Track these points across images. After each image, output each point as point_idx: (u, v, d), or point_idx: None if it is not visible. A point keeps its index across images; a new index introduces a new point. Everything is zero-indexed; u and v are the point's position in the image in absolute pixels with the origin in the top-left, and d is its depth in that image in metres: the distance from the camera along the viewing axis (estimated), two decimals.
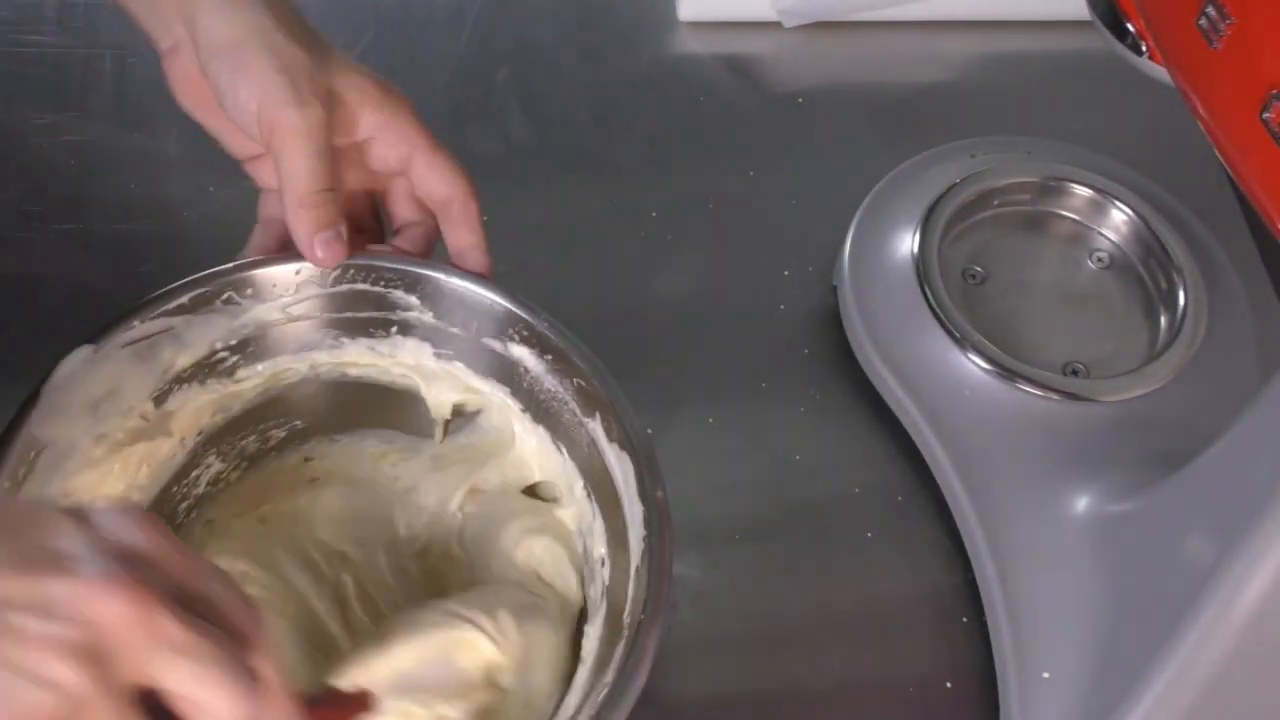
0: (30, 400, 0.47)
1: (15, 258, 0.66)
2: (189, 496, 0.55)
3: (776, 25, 0.81)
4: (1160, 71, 0.48)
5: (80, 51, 0.74)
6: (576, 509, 0.54)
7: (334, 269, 0.52)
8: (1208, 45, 0.39)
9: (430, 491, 0.57)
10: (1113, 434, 0.60)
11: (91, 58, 0.73)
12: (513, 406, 0.55)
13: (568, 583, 0.54)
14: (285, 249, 0.52)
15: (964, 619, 0.59)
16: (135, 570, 0.35)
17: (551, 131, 0.75)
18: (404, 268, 0.53)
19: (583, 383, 0.51)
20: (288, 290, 0.53)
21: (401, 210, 0.55)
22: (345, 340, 0.55)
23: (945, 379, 0.62)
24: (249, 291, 0.52)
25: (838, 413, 0.65)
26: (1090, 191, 0.68)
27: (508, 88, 0.77)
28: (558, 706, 0.50)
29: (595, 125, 0.76)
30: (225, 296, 0.52)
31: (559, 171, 0.74)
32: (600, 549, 0.52)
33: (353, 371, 0.56)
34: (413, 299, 0.53)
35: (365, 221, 0.56)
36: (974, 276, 0.66)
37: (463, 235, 0.53)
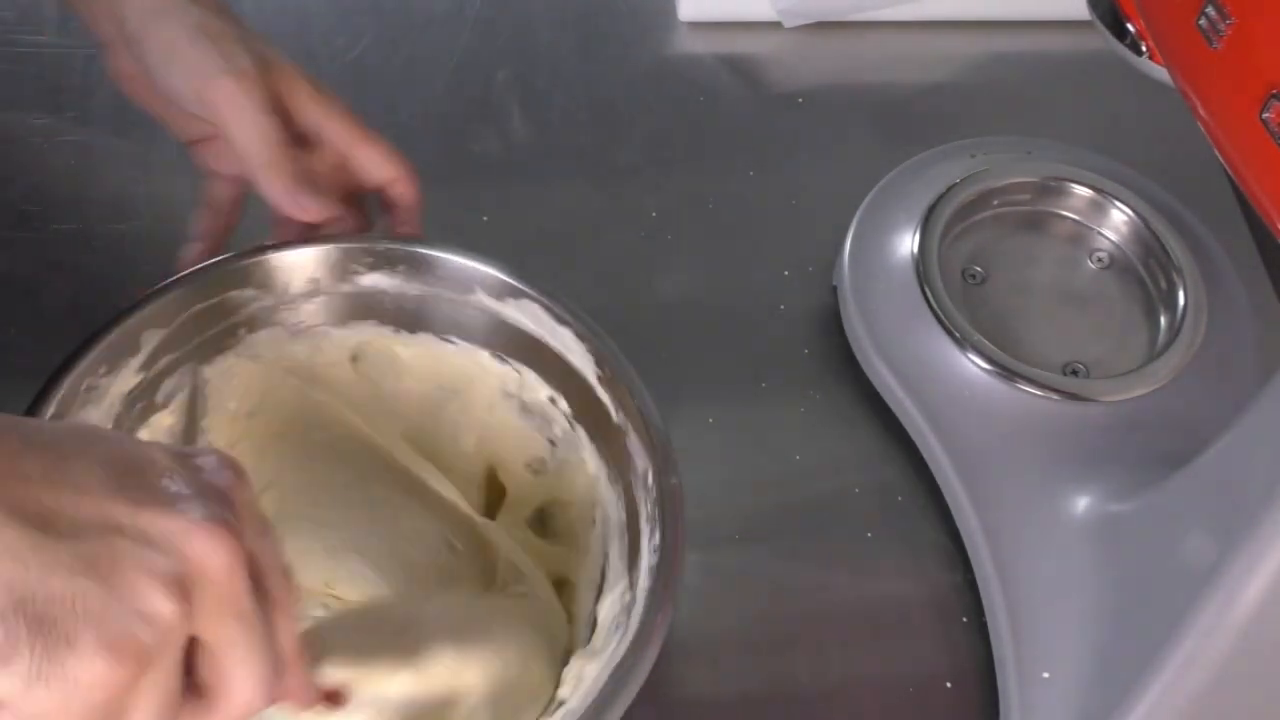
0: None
1: (15, 258, 0.66)
2: None
3: (776, 25, 0.81)
4: (1160, 71, 0.48)
5: (80, 51, 0.74)
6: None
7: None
8: (1208, 45, 0.39)
9: None
10: (1113, 434, 0.60)
11: (91, 58, 0.73)
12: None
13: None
14: (230, 231, 0.53)
15: (964, 619, 0.59)
16: (232, 518, 0.35)
17: (551, 131, 0.75)
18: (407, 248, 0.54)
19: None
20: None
21: (341, 199, 0.55)
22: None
23: (945, 379, 0.62)
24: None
25: (838, 413, 0.65)
26: (1090, 191, 0.68)
27: (508, 88, 0.77)
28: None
29: (595, 125, 0.76)
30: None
31: (559, 171, 0.74)
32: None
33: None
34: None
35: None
36: (974, 276, 0.66)
37: (401, 215, 0.55)
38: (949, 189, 0.67)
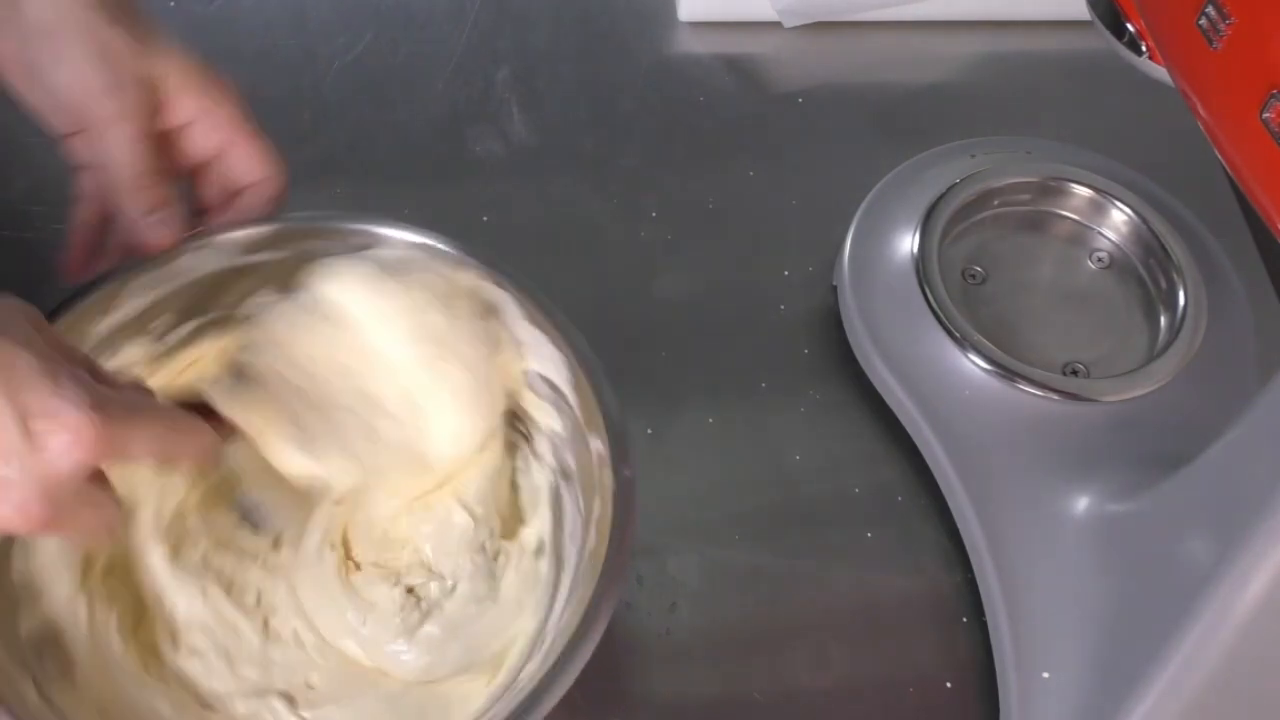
0: None
1: (15, 257, 0.66)
2: None
3: (776, 25, 0.81)
4: (1160, 71, 0.48)
5: None
6: None
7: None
8: (1208, 45, 0.39)
9: None
10: (1113, 434, 0.60)
11: None
12: None
13: None
14: (106, 224, 0.53)
15: (964, 619, 0.59)
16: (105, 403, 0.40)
17: (551, 131, 0.75)
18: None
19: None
20: None
21: (209, 194, 0.55)
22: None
23: (945, 379, 0.62)
24: None
25: (838, 413, 0.65)
26: (1090, 191, 0.68)
27: (508, 88, 0.77)
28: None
29: (595, 125, 0.76)
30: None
31: (559, 171, 0.74)
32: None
33: None
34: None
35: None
36: (974, 276, 0.67)
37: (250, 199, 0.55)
38: (949, 189, 0.67)
